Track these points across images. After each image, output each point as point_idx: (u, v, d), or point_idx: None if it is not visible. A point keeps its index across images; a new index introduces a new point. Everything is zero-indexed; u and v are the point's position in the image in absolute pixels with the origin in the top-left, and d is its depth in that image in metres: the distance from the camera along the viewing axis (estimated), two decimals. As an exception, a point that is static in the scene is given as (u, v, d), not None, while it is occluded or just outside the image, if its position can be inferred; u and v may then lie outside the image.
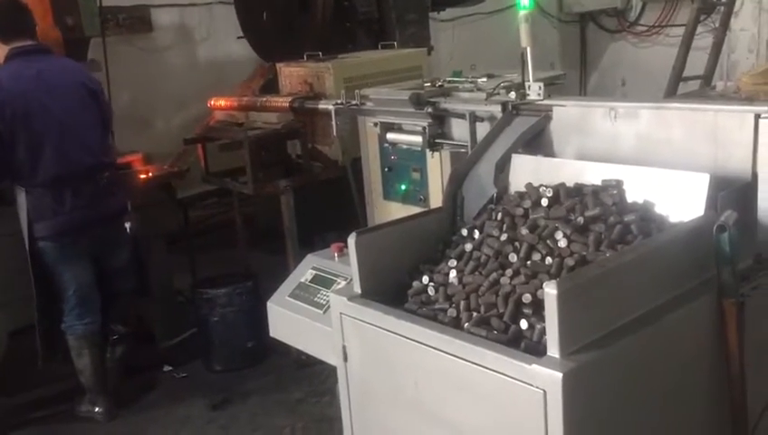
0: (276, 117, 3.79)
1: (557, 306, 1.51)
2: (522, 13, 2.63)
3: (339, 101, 3.30)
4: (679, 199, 1.93)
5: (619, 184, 2.05)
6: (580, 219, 1.90)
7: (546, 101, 2.56)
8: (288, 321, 2.31)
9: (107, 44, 4.63)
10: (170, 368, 3.97)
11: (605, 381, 1.57)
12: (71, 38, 4.02)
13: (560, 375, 1.48)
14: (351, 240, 2.01)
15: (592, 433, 1.54)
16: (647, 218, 1.94)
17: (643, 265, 1.69)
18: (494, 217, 2.09)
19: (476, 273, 1.92)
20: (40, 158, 3.23)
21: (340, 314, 2.03)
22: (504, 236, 1.95)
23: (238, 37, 5.37)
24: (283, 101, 3.72)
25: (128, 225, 3.55)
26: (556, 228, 1.88)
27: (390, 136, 3.11)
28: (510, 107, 2.64)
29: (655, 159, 2.18)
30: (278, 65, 4.23)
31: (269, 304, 2.38)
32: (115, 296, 3.71)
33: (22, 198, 3.29)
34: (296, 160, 3.99)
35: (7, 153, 3.17)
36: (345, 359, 2.05)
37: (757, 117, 1.92)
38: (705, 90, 5.22)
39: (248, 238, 4.50)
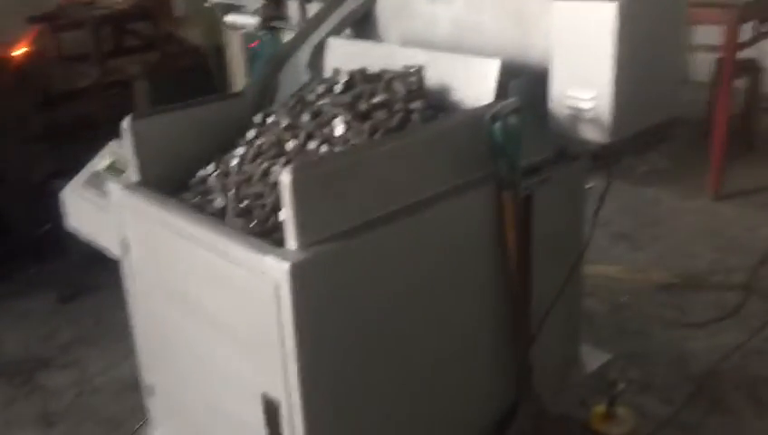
0: (125, -4, 3.52)
1: (291, 194, 1.41)
2: None
3: (180, -22, 3.05)
4: (472, 87, 1.84)
5: (419, 70, 1.94)
6: (364, 106, 1.79)
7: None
8: (80, 211, 2.18)
9: None
10: (24, 261, 3.81)
11: (348, 274, 1.50)
12: None
13: (287, 266, 1.40)
14: (126, 125, 1.86)
15: (331, 327, 1.48)
16: (439, 107, 1.85)
17: (405, 154, 1.59)
18: (288, 104, 1.97)
19: (256, 161, 1.82)
20: None
21: (118, 203, 1.91)
22: (284, 123, 1.83)
23: None
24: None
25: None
26: (335, 115, 1.78)
27: (229, 18, 2.91)
28: (341, -13, 2.47)
29: (468, 44, 2.08)
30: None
31: (63, 193, 2.24)
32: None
33: None
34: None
35: None
36: (126, 251, 1.95)
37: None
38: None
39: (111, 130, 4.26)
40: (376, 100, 1.80)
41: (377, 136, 1.70)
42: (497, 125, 1.66)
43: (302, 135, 1.78)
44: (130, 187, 1.87)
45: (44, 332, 3.21)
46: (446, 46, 2.11)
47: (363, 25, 2.41)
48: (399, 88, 1.84)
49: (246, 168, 1.81)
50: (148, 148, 1.89)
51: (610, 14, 1.63)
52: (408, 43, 2.27)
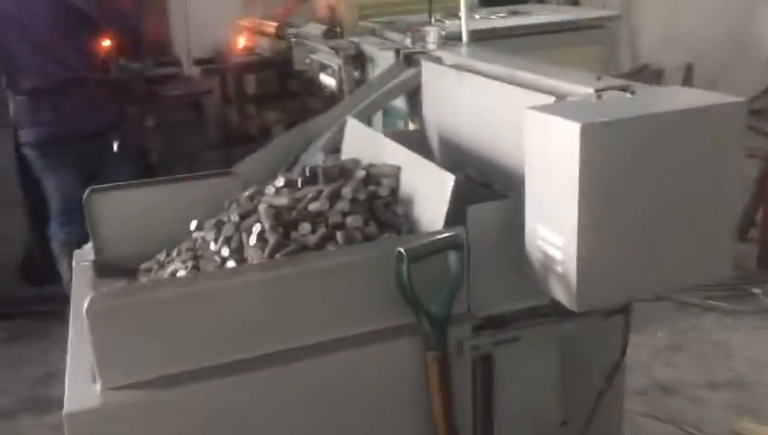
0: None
1: (89, 327, 1.18)
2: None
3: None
4: (429, 204, 1.43)
5: (395, 173, 1.57)
6: (294, 214, 1.48)
7: (439, 53, 2.05)
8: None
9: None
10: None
11: (165, 430, 1.22)
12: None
13: (69, 413, 1.16)
14: (86, 198, 1.77)
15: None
16: (392, 225, 1.47)
17: (272, 290, 1.26)
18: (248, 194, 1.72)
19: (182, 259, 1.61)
20: (15, 69, 3.31)
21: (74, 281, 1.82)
22: (213, 220, 1.60)
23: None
24: (271, 27, 3.42)
25: (116, 143, 3.53)
26: (256, 222, 1.49)
27: (321, 77, 2.73)
28: (401, 55, 2.15)
29: (486, 138, 1.67)
30: (316, -14, 3.90)
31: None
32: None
33: (10, 103, 3.43)
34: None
35: None
36: (82, 327, 1.86)
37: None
38: None
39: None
40: (312, 207, 1.49)
41: (279, 256, 1.39)
42: (403, 266, 1.24)
43: (221, 239, 1.52)
44: (81, 266, 1.78)
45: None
46: (470, 133, 1.71)
47: (416, 98, 2.08)
48: (346, 194, 1.50)
49: (174, 265, 1.61)
50: (107, 225, 1.77)
51: (574, 138, 1.13)
52: (440, 123, 1.90)
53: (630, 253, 1.20)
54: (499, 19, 2.95)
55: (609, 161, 1.14)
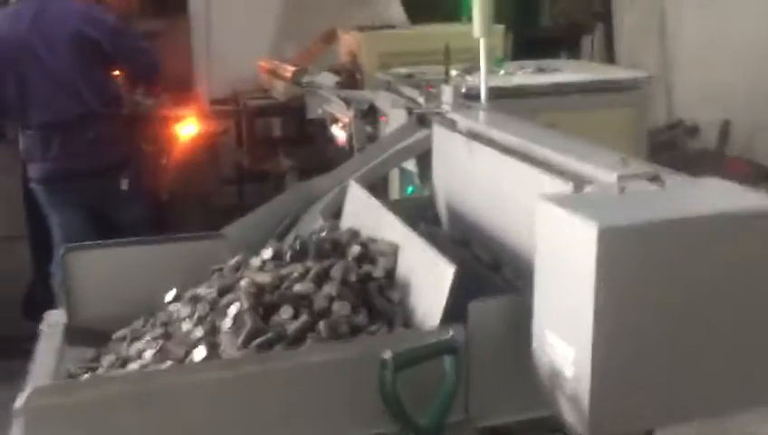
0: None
1: (24, 429, 1.03)
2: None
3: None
4: (426, 295, 1.27)
5: (393, 252, 1.42)
6: (276, 297, 1.33)
7: (453, 115, 1.90)
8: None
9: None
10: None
11: None
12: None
13: None
14: (63, 256, 1.64)
15: None
16: (386, 311, 1.31)
17: (233, 390, 1.10)
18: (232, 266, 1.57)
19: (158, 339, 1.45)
20: (29, 102, 3.23)
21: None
22: (189, 294, 1.45)
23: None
24: (288, 71, 3.31)
25: (125, 181, 3.43)
26: (235, 301, 1.34)
27: (333, 129, 2.59)
28: (414, 115, 2.01)
29: (497, 216, 1.50)
30: (339, 31, 3.80)
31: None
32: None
33: (20, 138, 3.35)
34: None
35: None
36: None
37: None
38: None
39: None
40: (297, 288, 1.33)
41: (251, 347, 1.23)
42: (386, 373, 1.08)
43: (194, 318, 1.37)
44: (53, 326, 1.64)
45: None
46: (480, 206, 1.56)
47: (427, 161, 1.94)
48: (336, 275, 1.34)
49: (142, 342, 1.46)
50: (83, 286, 1.64)
51: (590, 241, 0.97)
52: (450, 191, 1.75)
53: (654, 375, 1.03)
54: (524, 76, 2.81)
55: (630, 268, 0.98)
